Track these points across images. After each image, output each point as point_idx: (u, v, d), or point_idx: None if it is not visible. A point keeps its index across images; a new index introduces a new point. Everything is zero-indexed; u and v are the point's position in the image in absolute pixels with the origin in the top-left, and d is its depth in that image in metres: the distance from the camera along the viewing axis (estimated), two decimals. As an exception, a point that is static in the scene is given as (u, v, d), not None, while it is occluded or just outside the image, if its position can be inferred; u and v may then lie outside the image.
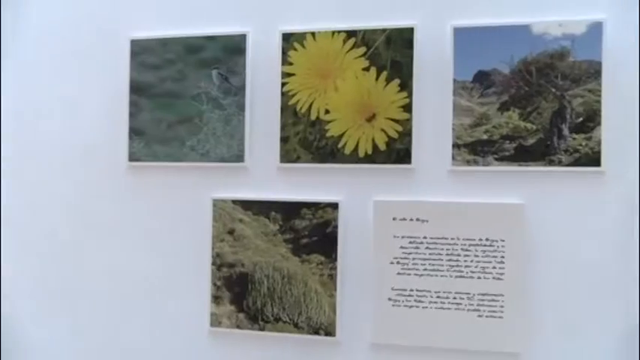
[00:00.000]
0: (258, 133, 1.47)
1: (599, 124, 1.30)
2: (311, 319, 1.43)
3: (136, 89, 1.54)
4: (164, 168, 1.53)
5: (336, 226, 1.42)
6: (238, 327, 1.47)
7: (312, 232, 1.43)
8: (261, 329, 1.45)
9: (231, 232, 1.47)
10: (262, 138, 1.47)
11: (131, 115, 1.54)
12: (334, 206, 1.42)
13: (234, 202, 1.47)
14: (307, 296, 1.43)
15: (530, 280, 1.34)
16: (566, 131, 1.32)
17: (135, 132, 1.54)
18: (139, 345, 1.55)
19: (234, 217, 1.47)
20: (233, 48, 1.48)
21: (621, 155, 1.31)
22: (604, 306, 1.32)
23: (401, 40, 1.38)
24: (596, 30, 1.30)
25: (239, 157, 1.47)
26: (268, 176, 1.47)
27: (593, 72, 1.31)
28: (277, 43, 1.45)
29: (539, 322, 1.34)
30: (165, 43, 1.52)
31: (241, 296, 1.47)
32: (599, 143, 1.30)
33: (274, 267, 1.45)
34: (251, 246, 1.46)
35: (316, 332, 1.43)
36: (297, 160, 1.44)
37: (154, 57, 1.53)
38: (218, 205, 1.48)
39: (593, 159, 1.31)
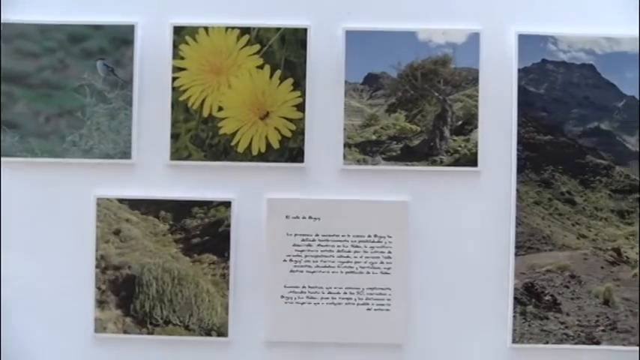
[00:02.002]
0: (146, 129, 1.41)
1: (476, 127, 1.41)
2: (203, 320, 1.40)
3: (9, 78, 1.41)
4: (42, 164, 1.42)
5: (228, 225, 1.40)
6: (125, 332, 1.40)
7: (204, 231, 1.40)
8: (150, 333, 1.40)
9: (116, 232, 1.40)
10: (151, 134, 1.41)
11: (3, 106, 1.41)
12: (227, 205, 1.40)
13: (121, 200, 1.40)
14: (199, 297, 1.40)
15: (414, 274, 1.41)
16: (447, 133, 1.41)
17: (8, 125, 1.41)
18: (17, 355, 1.43)
19: (121, 217, 1.40)
20: (120, 39, 1.40)
21: (496, 156, 1.42)
22: (482, 299, 1.42)
23: (295, 40, 1.39)
24: (474, 40, 1.40)
25: (125, 154, 1.40)
26: (157, 174, 1.42)
27: (472, 79, 1.41)
28: (168, 36, 1.40)
29: (422, 315, 1.42)
30: (44, 29, 1.40)
31: (128, 300, 1.40)
32: (476, 145, 1.41)
33: (164, 268, 1.40)
34: (139, 247, 1.40)
35: (208, 333, 1.40)
36: (188, 157, 1.40)
37: (30, 44, 1.41)
38: (102, 204, 1.40)
39: (470, 159, 1.41)
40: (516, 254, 1.41)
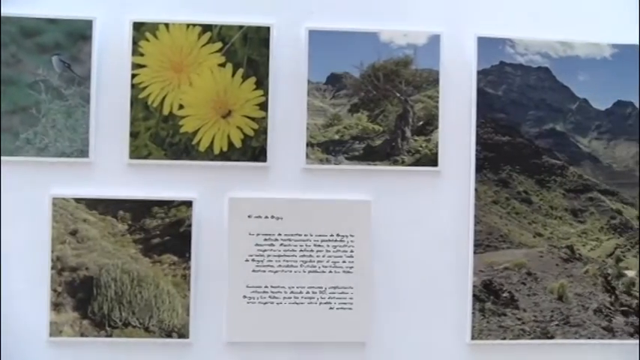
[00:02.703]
0: (104, 127, 1.38)
1: (436, 127, 1.43)
2: (163, 321, 1.38)
3: (-43, 73, 1.35)
4: (-7, 163, 1.37)
5: (189, 225, 1.38)
6: (82, 335, 1.36)
7: (165, 231, 1.37)
8: (109, 335, 1.36)
9: (73, 233, 1.36)
10: (109, 132, 1.38)
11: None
12: (188, 204, 1.38)
13: (78, 200, 1.36)
14: (159, 298, 1.38)
15: (377, 272, 1.42)
16: (408, 133, 1.43)
17: (-44, 121, 1.35)
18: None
19: (78, 217, 1.37)
20: (78, 34, 1.36)
21: (455, 156, 1.45)
22: (442, 296, 1.45)
23: (257, 39, 1.39)
24: (435, 42, 1.43)
25: (83, 152, 1.37)
26: (116, 173, 1.38)
27: (432, 80, 1.43)
28: (127, 32, 1.37)
29: (384, 313, 1.43)
30: (-5, 22, 1.35)
31: (85, 302, 1.36)
32: (436, 145, 1.43)
33: (122, 269, 1.37)
34: (96, 248, 1.37)
35: (169, 335, 1.38)
36: (148, 156, 1.37)
37: (-21, 37, 1.35)
38: (58, 203, 1.36)
39: (431, 159, 1.43)
40: (475, 252, 1.44)
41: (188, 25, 1.37)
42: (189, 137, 1.38)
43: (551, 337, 1.46)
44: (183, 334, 1.38)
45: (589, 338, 1.47)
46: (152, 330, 1.37)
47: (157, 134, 1.38)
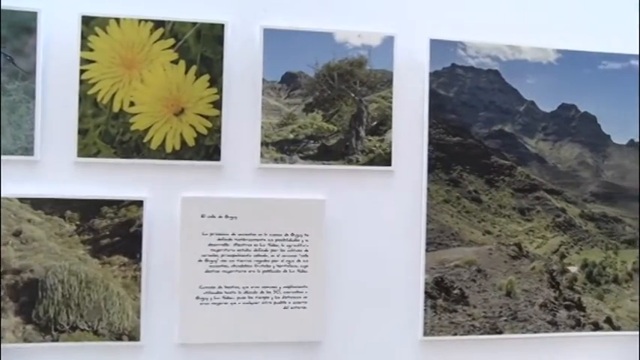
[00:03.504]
0: (51, 124, 1.33)
1: (390, 127, 1.45)
2: (113, 324, 1.34)
3: None
4: None
5: (140, 225, 1.35)
6: (26, 340, 1.31)
7: (114, 231, 1.34)
8: (55, 340, 1.32)
9: (17, 233, 1.31)
10: (56, 129, 1.33)
11: None
12: (139, 204, 1.35)
13: (22, 200, 1.31)
14: (108, 300, 1.34)
15: (331, 271, 1.43)
16: (363, 133, 1.44)
17: None
18: None
19: (22, 217, 1.31)
20: (21, 26, 1.31)
21: (408, 156, 1.47)
22: (395, 294, 1.47)
23: (211, 36, 1.37)
24: (389, 43, 1.45)
25: (28, 150, 1.31)
26: (63, 172, 1.34)
27: (386, 80, 1.45)
28: (76, 26, 1.33)
29: (338, 311, 1.44)
30: None
31: (30, 306, 1.31)
32: (390, 145, 1.45)
33: (70, 271, 1.32)
34: (42, 249, 1.32)
35: (119, 338, 1.34)
36: (97, 154, 1.33)
37: None
38: (1, 203, 1.30)
39: (385, 159, 1.45)
40: (427, 250, 1.47)
41: (140, 21, 1.34)
42: (140, 135, 1.35)
43: (500, 332, 1.50)
44: (134, 336, 1.35)
45: (535, 332, 1.52)
46: (101, 333, 1.33)
47: (107, 132, 1.34)
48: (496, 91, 1.53)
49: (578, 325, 1.55)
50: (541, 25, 1.55)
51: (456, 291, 1.49)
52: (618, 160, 1.62)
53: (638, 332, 1.61)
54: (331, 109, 1.43)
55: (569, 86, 1.56)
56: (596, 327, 1.56)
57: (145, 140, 1.35)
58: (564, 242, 1.58)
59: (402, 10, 1.48)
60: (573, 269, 1.57)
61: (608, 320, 1.57)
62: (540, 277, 1.54)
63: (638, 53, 1.59)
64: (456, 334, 1.48)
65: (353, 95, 1.44)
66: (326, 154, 1.43)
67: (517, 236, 1.54)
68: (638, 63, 1.59)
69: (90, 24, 1.33)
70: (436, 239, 1.48)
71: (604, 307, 1.58)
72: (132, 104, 1.34)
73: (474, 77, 1.51)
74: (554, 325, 1.54)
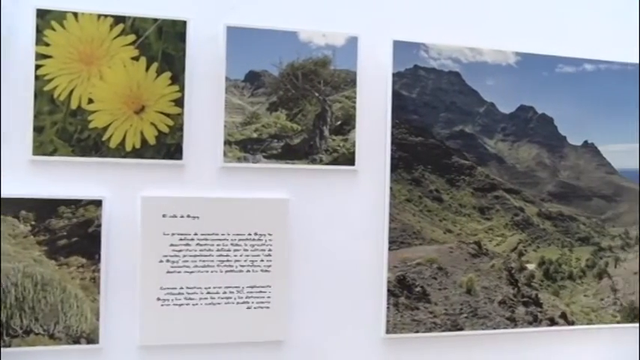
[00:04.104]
0: (5, 121, 1.28)
1: (353, 127, 1.46)
2: (70, 327, 1.30)
3: None
4: None
5: (99, 225, 1.31)
6: (-25, 346, 1.26)
7: (72, 232, 1.30)
8: (7, 345, 1.27)
9: (-33, 235, 1.26)
10: (11, 127, 1.28)
11: None
12: (97, 203, 1.31)
13: (-27, 199, 1.26)
14: (66, 303, 1.30)
15: (294, 270, 1.43)
16: (326, 133, 1.45)
17: None
18: None
19: (-27, 218, 1.26)
20: (-28, 19, 1.26)
21: (372, 156, 1.48)
22: (358, 292, 1.48)
23: (173, 33, 1.35)
24: (353, 43, 1.45)
25: (-21, 148, 1.27)
26: (18, 171, 1.29)
27: (350, 81, 1.46)
28: (31, 20, 1.28)
29: (302, 310, 1.44)
30: None
31: (-21, 310, 1.26)
32: (353, 144, 1.46)
33: (24, 273, 1.28)
34: (-6, 250, 1.27)
35: (76, 341, 1.30)
36: (53, 152, 1.29)
37: None
38: (-50, 203, 1.25)
39: (348, 158, 1.46)
40: (390, 249, 1.48)
41: (99, 16, 1.31)
42: (99, 133, 1.32)
43: (461, 329, 1.53)
44: (92, 339, 1.31)
45: (494, 328, 1.56)
46: (58, 337, 1.30)
47: (64, 129, 1.30)
48: (457, 92, 1.56)
49: (535, 321, 1.60)
50: (501, 28, 1.59)
51: (417, 289, 1.51)
52: (574, 161, 1.67)
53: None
54: (295, 108, 1.43)
55: (527, 88, 1.60)
56: (552, 322, 1.61)
57: (104, 138, 1.32)
58: (522, 240, 1.62)
59: (365, 11, 1.49)
60: (531, 266, 1.62)
61: (563, 315, 1.63)
62: (499, 275, 1.58)
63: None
64: (417, 332, 1.50)
65: (317, 95, 1.44)
66: (290, 154, 1.42)
67: (477, 235, 1.57)
68: (593, 67, 1.65)
69: (46, 17, 1.28)
70: (399, 238, 1.49)
71: (559, 302, 1.63)
72: (90, 101, 1.31)
73: (436, 78, 1.54)
74: (513, 321, 1.58)
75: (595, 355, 1.68)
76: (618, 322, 1.68)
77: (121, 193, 1.34)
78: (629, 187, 1.72)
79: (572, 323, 1.63)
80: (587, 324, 1.65)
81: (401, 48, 1.49)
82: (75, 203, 1.31)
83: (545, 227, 1.64)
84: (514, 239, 1.61)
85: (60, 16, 1.29)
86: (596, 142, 1.68)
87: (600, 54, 1.66)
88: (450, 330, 1.52)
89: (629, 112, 1.69)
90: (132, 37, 1.32)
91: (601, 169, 1.69)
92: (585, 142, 1.67)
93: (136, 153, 1.33)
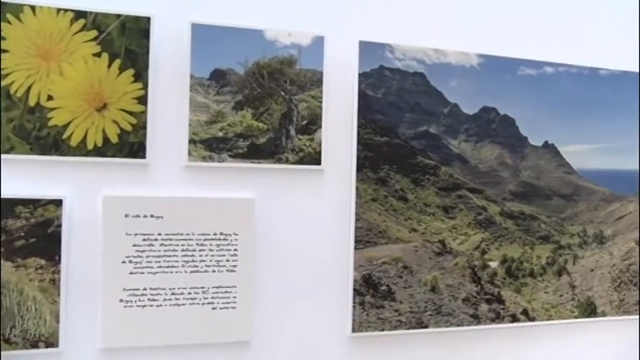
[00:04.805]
0: (-43, 117, 1.24)
1: (320, 127, 1.46)
2: (28, 331, 1.26)
3: None
4: None
5: (59, 225, 1.28)
6: None
7: (30, 232, 1.26)
8: (-41, 351, 1.23)
9: None
10: (-36, 123, 1.24)
11: None
12: (57, 203, 1.28)
13: None
14: (23, 306, 1.26)
15: (260, 270, 1.42)
16: (293, 132, 1.45)
17: None
18: None
19: None
20: None
21: (338, 155, 1.49)
22: (324, 292, 1.48)
23: (137, 29, 1.32)
24: (319, 43, 1.46)
25: None
26: (-28, 169, 1.25)
27: (316, 80, 1.46)
28: (-14, 13, 1.24)
29: (268, 310, 1.44)
30: None
31: None
32: (319, 144, 1.46)
33: (-21, 275, 1.24)
34: (-53, 252, 1.22)
35: (35, 345, 1.26)
36: (10, 150, 1.25)
37: None
38: None
39: (314, 158, 1.46)
40: (355, 248, 1.49)
41: (59, 10, 1.27)
42: (59, 131, 1.28)
43: (425, 327, 1.55)
44: (51, 343, 1.28)
45: (458, 326, 1.58)
46: (14, 341, 1.25)
47: (22, 127, 1.26)
48: (422, 93, 1.58)
49: (497, 318, 1.63)
50: (464, 30, 1.62)
51: (383, 287, 1.52)
52: (534, 161, 1.72)
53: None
54: (261, 107, 1.42)
55: (490, 90, 1.64)
56: (514, 319, 1.65)
57: (64, 136, 1.28)
58: (485, 239, 1.65)
59: (331, 11, 1.50)
60: (493, 264, 1.65)
61: (525, 312, 1.67)
62: (463, 273, 1.61)
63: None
64: (383, 330, 1.51)
65: (283, 94, 1.44)
66: (256, 153, 1.41)
67: (441, 233, 1.60)
68: (553, 70, 1.70)
69: (1, 10, 1.24)
70: (364, 237, 1.50)
71: (521, 299, 1.67)
72: (50, 98, 1.27)
73: (401, 79, 1.55)
74: (476, 319, 1.61)
75: (554, 350, 1.73)
76: (576, 318, 1.73)
77: (83, 192, 1.31)
78: (586, 186, 1.78)
79: (533, 319, 1.68)
80: (547, 320, 1.70)
81: (367, 48, 1.50)
82: (33, 203, 1.27)
83: (507, 226, 1.68)
84: (477, 238, 1.64)
85: (16, 9, 1.25)
86: (556, 142, 1.73)
87: (560, 57, 1.71)
88: (414, 328, 1.54)
89: (587, 114, 1.75)
90: (93, 33, 1.29)
91: (560, 169, 1.74)
92: (546, 142, 1.72)
93: (98, 151, 1.30)
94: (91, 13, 1.29)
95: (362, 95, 1.50)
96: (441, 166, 1.61)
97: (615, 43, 1.79)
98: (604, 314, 1.76)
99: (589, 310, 1.75)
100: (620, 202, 1.82)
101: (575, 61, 1.72)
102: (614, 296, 1.78)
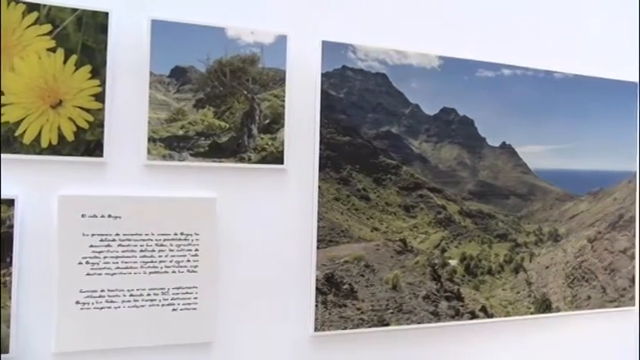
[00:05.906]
0: None
1: (282, 126, 1.46)
2: (-23, 336, 1.21)
3: None
4: None
5: (11, 226, 1.23)
6: None
7: (-21, 233, 1.22)
8: None
9: None
10: None
11: None
12: (9, 203, 1.23)
13: None
14: (-28, 310, 1.21)
15: (222, 270, 1.41)
16: (255, 131, 1.44)
17: None
18: None
19: None
20: None
21: (300, 154, 1.49)
22: (287, 291, 1.48)
23: (94, 24, 1.29)
24: (282, 42, 1.45)
25: None
26: None
27: (279, 79, 1.45)
28: None
29: (230, 311, 1.42)
30: None
31: None
32: (282, 143, 1.46)
33: None
34: None
35: (-16, 351, 1.22)
36: (-42, 148, 1.21)
37: None
38: None
39: (277, 157, 1.45)
40: (318, 247, 1.49)
41: (10, 2, 1.23)
42: (11, 128, 1.23)
43: (387, 325, 1.57)
44: (2, 349, 1.22)
45: (419, 323, 1.61)
46: (-38, 347, 1.20)
47: (-29, 123, 1.21)
48: (383, 93, 1.59)
49: (457, 315, 1.66)
50: (425, 32, 1.64)
51: (345, 286, 1.53)
52: (492, 161, 1.76)
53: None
54: (223, 105, 1.41)
55: (449, 91, 1.67)
56: (473, 316, 1.69)
57: (16, 134, 1.24)
58: (445, 237, 1.68)
59: (295, 11, 1.50)
60: (453, 262, 1.68)
61: (483, 309, 1.71)
62: (423, 271, 1.63)
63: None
64: (345, 328, 1.52)
65: (245, 92, 1.42)
66: (217, 152, 1.40)
67: (402, 232, 1.62)
68: (510, 72, 1.74)
69: (-51, 3, 1.19)
70: (327, 236, 1.51)
71: (480, 296, 1.71)
72: (1, 93, 1.23)
73: (363, 79, 1.56)
74: (436, 316, 1.63)
75: (512, 346, 1.78)
76: (532, 314, 1.78)
77: (36, 191, 1.26)
78: (542, 186, 1.83)
79: (491, 316, 1.72)
80: (505, 316, 1.74)
81: (329, 48, 1.51)
82: (-17, 203, 1.22)
83: (466, 224, 1.72)
84: (437, 236, 1.67)
85: (-35, 1, 1.20)
86: (513, 143, 1.77)
87: (517, 60, 1.75)
88: (376, 326, 1.56)
89: (543, 116, 1.80)
90: (48, 27, 1.25)
91: (517, 169, 1.79)
92: (503, 143, 1.76)
93: (53, 150, 1.26)
94: (44, 6, 1.25)
95: (324, 95, 1.50)
96: (402, 165, 1.62)
97: (569, 46, 1.85)
98: (558, 310, 1.82)
99: (544, 306, 1.80)
100: (573, 201, 1.89)
101: (532, 64, 1.78)
102: (568, 292, 1.84)
